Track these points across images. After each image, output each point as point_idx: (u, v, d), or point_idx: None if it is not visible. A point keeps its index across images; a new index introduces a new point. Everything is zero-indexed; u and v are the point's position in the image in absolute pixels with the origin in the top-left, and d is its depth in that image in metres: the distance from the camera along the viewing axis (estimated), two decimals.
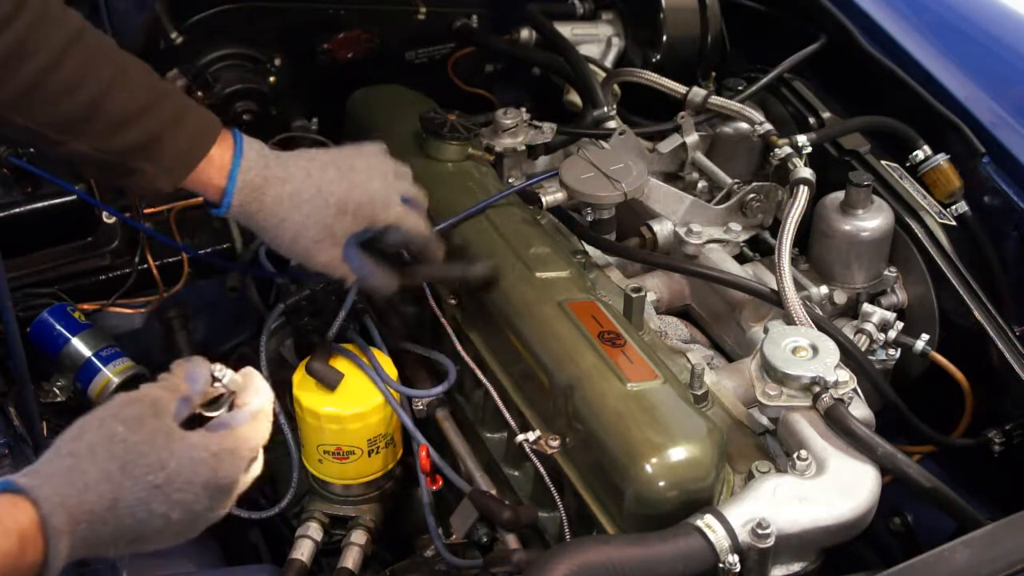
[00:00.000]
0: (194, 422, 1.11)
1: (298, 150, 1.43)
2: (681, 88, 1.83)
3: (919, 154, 1.73)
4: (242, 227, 1.90)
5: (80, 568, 1.27)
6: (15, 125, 1.26)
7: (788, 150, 1.67)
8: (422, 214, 1.47)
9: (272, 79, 1.93)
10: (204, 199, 1.37)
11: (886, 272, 1.69)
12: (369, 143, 1.46)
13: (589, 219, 1.64)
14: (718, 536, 1.17)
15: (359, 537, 1.54)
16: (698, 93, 1.81)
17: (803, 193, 1.60)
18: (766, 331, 1.36)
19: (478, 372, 1.50)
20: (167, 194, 1.37)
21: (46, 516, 0.94)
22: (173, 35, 1.83)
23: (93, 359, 1.70)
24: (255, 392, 1.16)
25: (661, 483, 1.23)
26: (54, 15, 1.25)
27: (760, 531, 1.17)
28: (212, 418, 1.13)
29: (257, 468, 1.13)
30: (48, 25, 1.24)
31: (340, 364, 1.52)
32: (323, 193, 1.35)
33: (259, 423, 1.13)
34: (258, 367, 1.62)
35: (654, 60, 1.99)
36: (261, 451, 1.14)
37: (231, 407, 1.15)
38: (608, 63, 2.02)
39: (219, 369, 1.14)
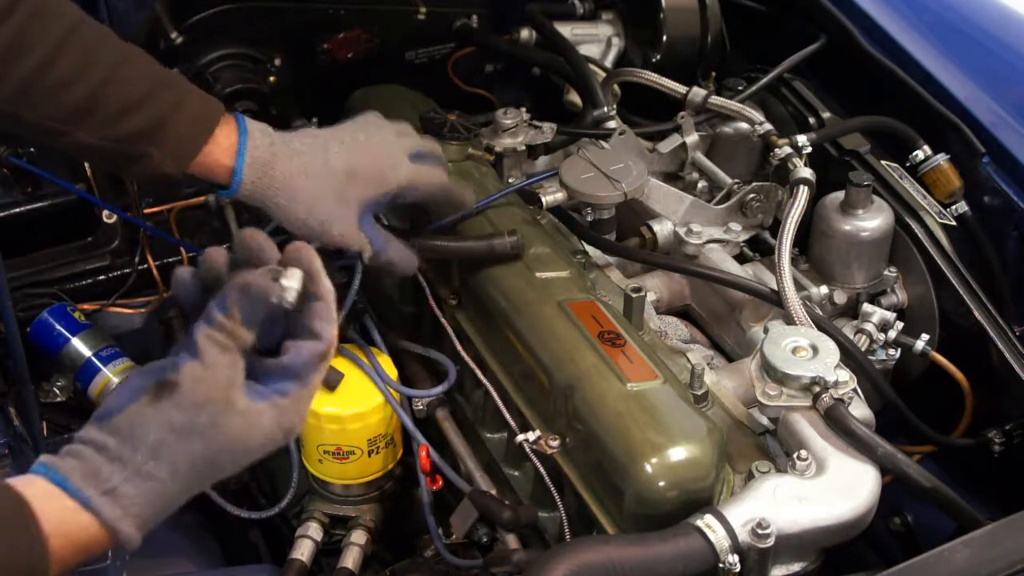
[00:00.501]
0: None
1: (300, 129, 1.44)
2: (681, 88, 1.83)
3: (919, 154, 1.73)
4: (242, 225, 1.91)
5: (80, 568, 1.27)
6: (21, 120, 1.27)
7: (788, 150, 1.67)
8: (437, 165, 1.47)
9: (272, 79, 1.93)
10: (213, 184, 1.36)
11: (886, 272, 1.69)
12: (365, 113, 1.47)
13: (589, 219, 1.64)
14: (718, 536, 1.17)
15: (359, 537, 1.55)
16: (698, 93, 1.81)
17: (803, 193, 1.60)
18: (766, 331, 1.36)
19: (478, 372, 1.50)
20: (175, 183, 1.37)
21: (123, 542, 0.94)
22: (173, 35, 1.83)
23: (93, 359, 1.70)
24: (320, 316, 1.00)
25: (661, 483, 1.23)
26: (51, 9, 1.26)
27: (760, 531, 1.17)
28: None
29: None
30: (46, 19, 1.25)
31: (340, 364, 1.52)
32: (331, 163, 1.37)
33: (324, 363, 1.02)
34: None
35: (654, 60, 1.99)
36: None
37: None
38: (608, 63, 2.02)
39: (285, 297, 0.98)
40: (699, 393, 1.38)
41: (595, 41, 2.05)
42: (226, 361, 0.96)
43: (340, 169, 1.37)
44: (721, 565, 1.16)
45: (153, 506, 0.95)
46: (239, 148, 1.34)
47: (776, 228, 1.59)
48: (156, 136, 1.30)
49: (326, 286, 1.02)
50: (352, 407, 1.49)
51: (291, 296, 0.98)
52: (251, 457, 0.98)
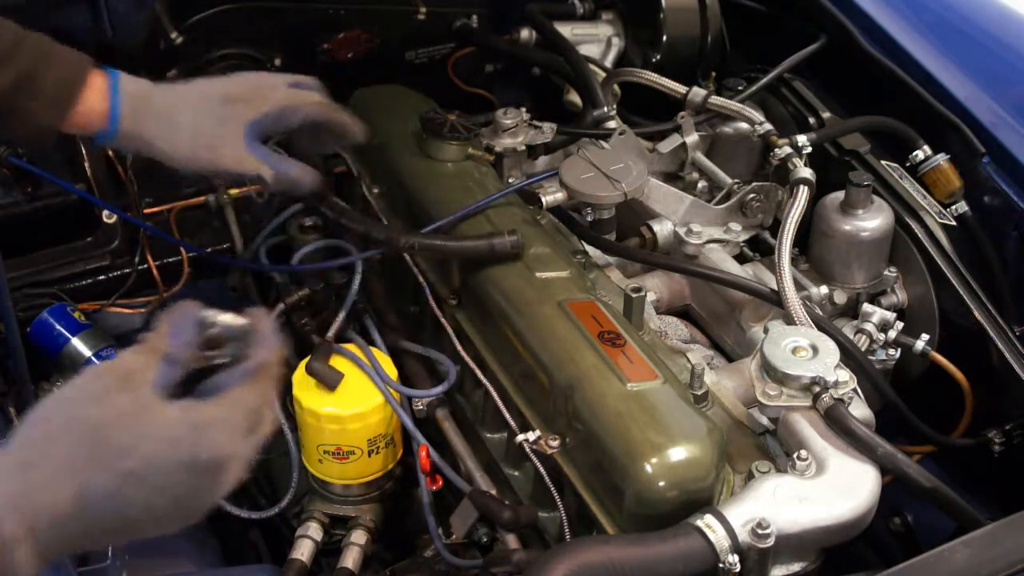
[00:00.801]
0: (202, 375, 0.98)
1: None
2: (681, 88, 1.83)
3: (919, 154, 1.73)
4: (242, 225, 1.92)
5: (80, 567, 1.27)
6: None
7: (788, 150, 1.67)
8: (316, 92, 1.46)
9: None
10: (91, 135, 1.33)
11: (886, 272, 1.69)
12: None
13: (589, 219, 1.64)
14: (718, 536, 1.17)
15: (359, 537, 1.54)
16: (698, 93, 1.81)
17: (803, 193, 1.60)
18: (766, 331, 1.36)
19: (478, 372, 1.50)
20: (53, 133, 1.32)
21: None
22: (173, 35, 1.83)
23: (93, 359, 1.70)
24: (257, 343, 0.99)
25: (661, 483, 1.23)
26: None
27: (760, 531, 1.17)
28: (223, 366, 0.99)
29: (264, 431, 0.96)
30: None
31: (340, 364, 1.52)
32: (207, 92, 1.36)
33: (258, 382, 0.96)
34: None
35: (654, 60, 1.99)
36: (269, 412, 0.97)
37: (241, 347, 0.99)
38: (608, 63, 2.02)
39: (212, 314, 0.99)
40: (699, 393, 1.38)
41: (595, 41, 2.05)
42: (136, 358, 0.93)
43: (217, 94, 1.35)
44: (721, 565, 1.16)
45: (24, 477, 0.84)
46: (112, 86, 1.31)
47: (776, 228, 1.59)
48: (28, 88, 1.28)
49: (262, 319, 1.01)
50: (352, 407, 1.49)
51: (220, 317, 0.99)
52: (152, 444, 0.87)
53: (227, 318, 0.99)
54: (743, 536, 1.17)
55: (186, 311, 0.97)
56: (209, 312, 0.99)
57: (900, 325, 1.55)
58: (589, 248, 1.63)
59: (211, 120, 1.34)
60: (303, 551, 1.52)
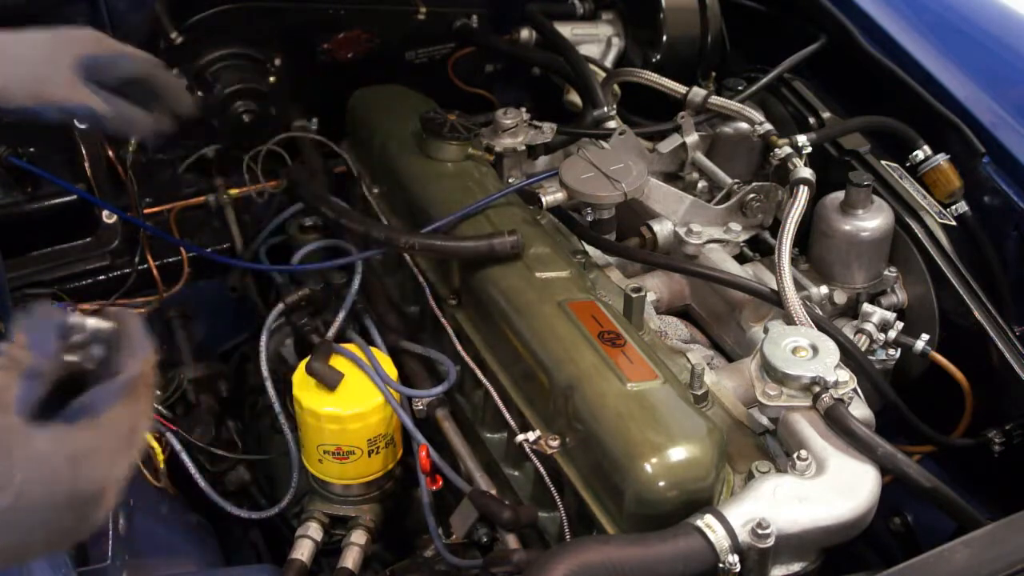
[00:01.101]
0: (69, 383, 0.88)
1: None
2: (681, 88, 1.83)
3: (919, 154, 1.73)
4: (242, 225, 1.92)
5: (80, 567, 1.27)
6: None
7: (788, 150, 1.67)
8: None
9: (272, 79, 1.93)
10: None
11: (886, 272, 1.69)
12: None
13: (589, 219, 1.64)
14: (718, 536, 1.17)
15: (359, 537, 1.55)
16: (698, 93, 1.81)
17: (803, 193, 1.60)
18: (766, 331, 1.36)
19: (478, 372, 1.50)
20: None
21: None
22: (173, 35, 1.83)
23: None
24: (129, 350, 0.89)
25: (661, 483, 1.23)
26: None
27: (760, 531, 1.17)
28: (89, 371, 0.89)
29: (138, 448, 0.89)
30: None
31: (340, 364, 1.52)
32: (38, 33, 1.29)
33: (135, 398, 0.88)
34: (258, 367, 1.63)
35: (654, 60, 1.99)
36: (144, 428, 0.89)
37: (109, 351, 0.90)
38: (608, 63, 2.02)
39: (76, 318, 0.89)
40: (699, 393, 1.38)
41: (595, 41, 2.05)
42: None
43: (49, 33, 1.29)
44: (721, 565, 1.16)
45: None
46: None
47: (776, 228, 1.59)
48: None
49: (131, 320, 0.92)
50: (352, 407, 1.49)
51: (85, 321, 0.90)
52: (26, 483, 0.79)
53: (93, 322, 0.90)
54: (743, 536, 1.17)
55: (46, 317, 0.88)
56: (72, 316, 0.89)
57: (900, 325, 1.55)
58: (589, 248, 1.63)
59: (43, 52, 1.27)
60: (303, 551, 1.52)
